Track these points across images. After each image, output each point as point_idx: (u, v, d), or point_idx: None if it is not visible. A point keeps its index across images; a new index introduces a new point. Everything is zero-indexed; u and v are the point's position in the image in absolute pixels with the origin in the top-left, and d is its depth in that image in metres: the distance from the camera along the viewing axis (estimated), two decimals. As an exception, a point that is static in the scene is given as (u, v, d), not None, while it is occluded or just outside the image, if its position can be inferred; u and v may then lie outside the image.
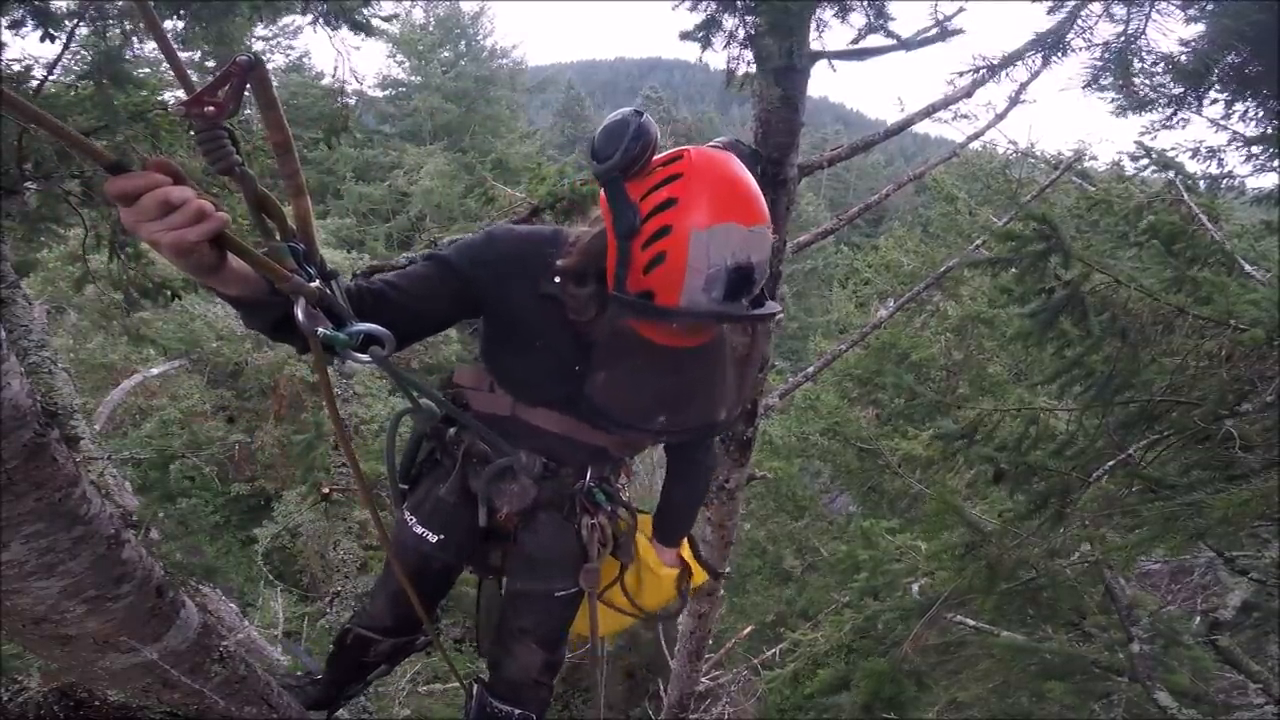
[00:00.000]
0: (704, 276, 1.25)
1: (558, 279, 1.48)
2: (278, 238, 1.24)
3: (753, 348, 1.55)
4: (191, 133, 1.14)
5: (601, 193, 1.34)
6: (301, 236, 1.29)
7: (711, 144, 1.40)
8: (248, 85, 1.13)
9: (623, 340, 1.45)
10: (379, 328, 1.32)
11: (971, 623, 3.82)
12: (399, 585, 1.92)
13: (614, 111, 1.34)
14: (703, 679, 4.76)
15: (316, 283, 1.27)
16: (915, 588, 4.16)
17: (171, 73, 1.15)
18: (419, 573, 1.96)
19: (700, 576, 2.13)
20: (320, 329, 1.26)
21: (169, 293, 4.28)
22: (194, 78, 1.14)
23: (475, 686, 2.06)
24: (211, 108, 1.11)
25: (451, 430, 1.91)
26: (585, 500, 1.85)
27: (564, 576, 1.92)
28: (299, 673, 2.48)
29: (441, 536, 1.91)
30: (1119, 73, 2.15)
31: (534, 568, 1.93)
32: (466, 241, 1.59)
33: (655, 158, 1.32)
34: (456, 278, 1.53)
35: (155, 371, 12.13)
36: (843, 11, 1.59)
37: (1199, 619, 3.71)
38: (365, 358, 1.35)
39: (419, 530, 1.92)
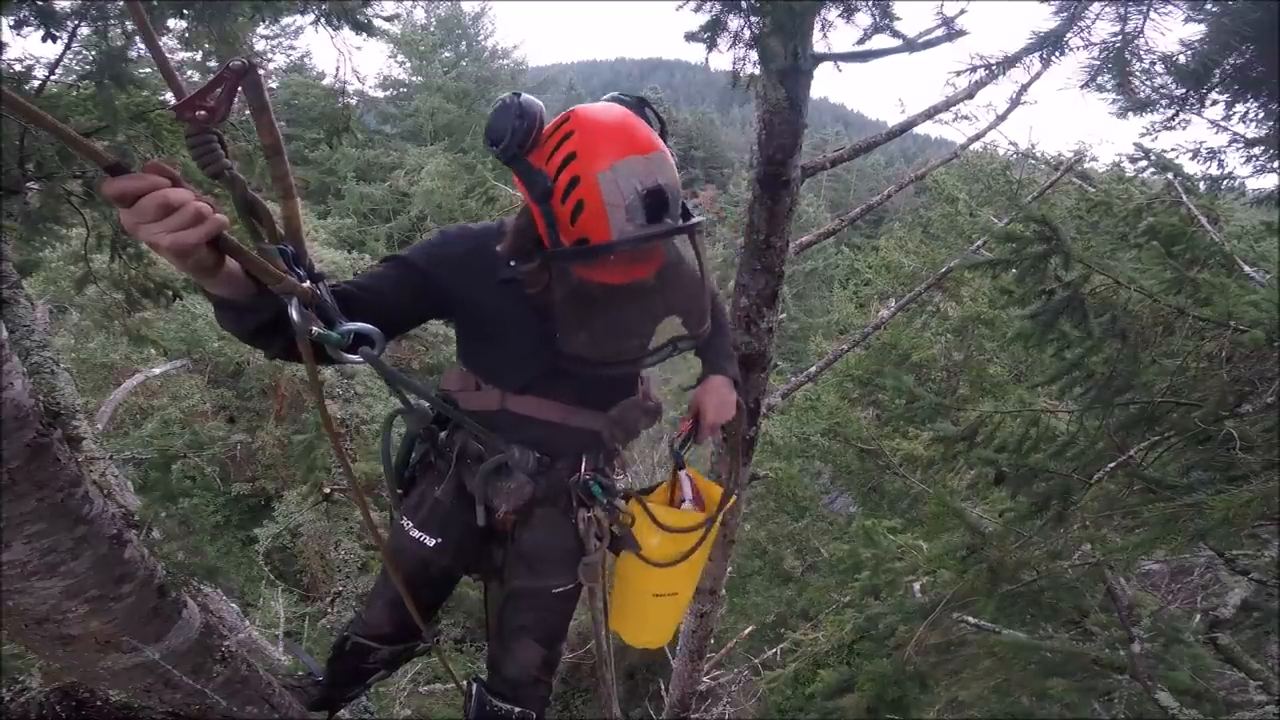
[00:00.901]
0: (623, 208, 1.36)
1: (511, 263, 1.55)
2: (266, 240, 1.26)
3: (700, 259, 1.59)
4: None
5: (517, 180, 1.45)
6: (291, 239, 1.31)
7: (598, 101, 1.53)
8: (239, 89, 1.15)
9: (581, 291, 1.50)
10: (369, 327, 1.35)
11: (973, 621, 3.82)
12: (397, 592, 1.92)
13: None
14: (704, 679, 4.76)
15: (307, 284, 1.28)
16: (917, 587, 4.16)
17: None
18: (417, 578, 1.95)
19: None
20: (314, 328, 1.28)
21: (170, 293, 4.28)
22: (195, 78, 1.15)
23: (474, 685, 2.05)
24: (203, 111, 1.12)
25: (444, 433, 1.92)
26: (581, 493, 1.86)
27: (562, 572, 1.93)
28: (300, 673, 2.48)
29: (439, 539, 1.91)
30: (1117, 73, 2.15)
31: (532, 565, 1.93)
32: (424, 241, 1.66)
33: (545, 127, 1.44)
34: (416, 274, 1.59)
35: (156, 371, 12.14)
36: (848, 12, 1.59)
37: (1199, 618, 3.71)
38: (356, 358, 1.37)
39: (416, 534, 1.91)
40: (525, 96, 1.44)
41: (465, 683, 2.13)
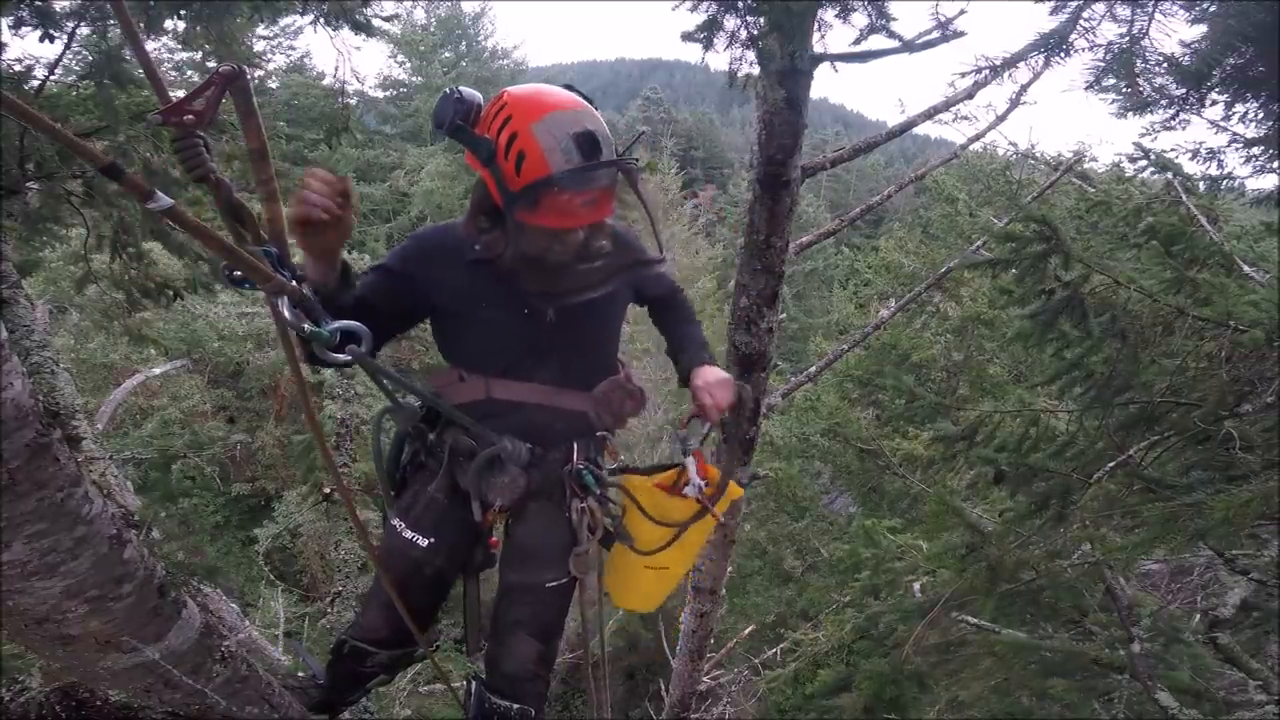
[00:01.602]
0: (559, 150, 1.50)
1: (475, 246, 1.68)
2: (250, 242, 1.29)
3: (643, 200, 1.70)
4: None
5: (467, 154, 1.60)
6: (275, 241, 1.34)
7: None
8: (226, 93, 1.16)
9: (536, 237, 1.62)
10: (357, 324, 1.42)
11: (973, 620, 3.82)
12: (390, 601, 1.91)
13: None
14: (704, 679, 4.76)
15: (294, 284, 1.32)
16: (917, 587, 4.16)
17: (173, 72, 1.16)
18: (411, 580, 1.94)
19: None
20: (305, 326, 1.34)
21: (170, 293, 4.29)
22: (195, 78, 1.16)
23: (473, 684, 2.05)
24: (191, 115, 1.13)
25: (433, 433, 1.92)
26: (574, 484, 1.88)
27: (555, 566, 1.93)
28: (301, 674, 2.47)
29: (432, 540, 1.90)
30: (1123, 74, 2.15)
31: (526, 559, 1.94)
32: (399, 246, 1.79)
33: (484, 108, 1.60)
34: (393, 277, 1.71)
35: (156, 371, 12.15)
36: (844, 12, 1.59)
37: (1199, 618, 3.71)
38: (343, 356, 1.42)
39: (409, 535, 1.91)
40: (463, 88, 1.61)
41: (464, 682, 2.13)
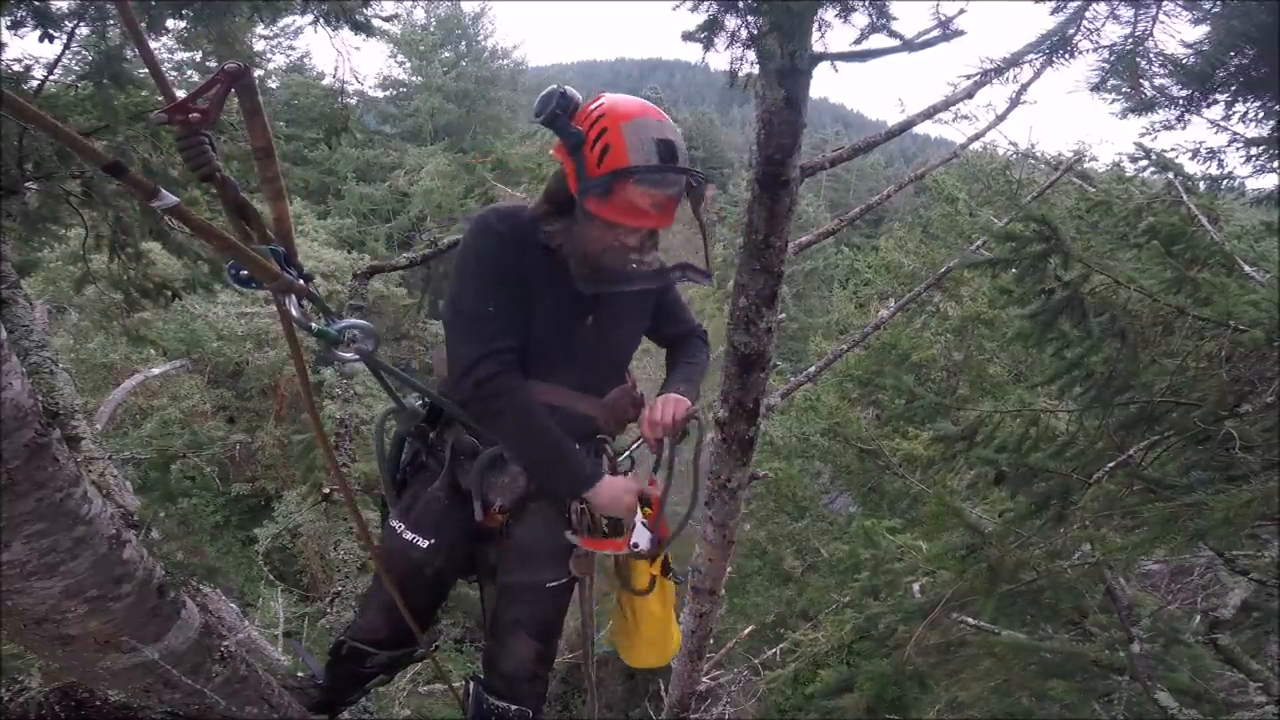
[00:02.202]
0: (641, 148, 1.61)
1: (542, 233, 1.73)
2: (256, 241, 1.29)
3: (699, 217, 1.81)
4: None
5: (555, 141, 1.67)
6: (281, 240, 1.33)
7: None
8: (232, 91, 1.16)
9: (601, 227, 1.67)
10: (364, 323, 1.40)
11: (973, 622, 3.82)
12: (391, 603, 1.92)
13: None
14: (704, 679, 4.76)
15: (301, 283, 1.31)
16: (916, 587, 4.15)
17: (173, 72, 1.16)
18: (411, 581, 1.95)
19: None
20: (313, 324, 1.35)
21: (169, 293, 4.28)
22: (195, 78, 1.15)
23: (471, 684, 2.05)
24: (196, 114, 1.13)
25: (434, 432, 1.92)
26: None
27: (554, 566, 1.94)
28: (300, 674, 2.47)
29: (433, 541, 1.91)
30: (1127, 75, 2.14)
31: (525, 560, 1.94)
32: (481, 246, 1.73)
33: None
34: (513, 284, 1.71)
35: (156, 371, 12.14)
36: (845, 11, 1.58)
37: (1199, 618, 3.71)
38: (352, 355, 1.44)
39: (409, 536, 1.91)
40: (568, 86, 1.69)
41: (463, 682, 2.13)
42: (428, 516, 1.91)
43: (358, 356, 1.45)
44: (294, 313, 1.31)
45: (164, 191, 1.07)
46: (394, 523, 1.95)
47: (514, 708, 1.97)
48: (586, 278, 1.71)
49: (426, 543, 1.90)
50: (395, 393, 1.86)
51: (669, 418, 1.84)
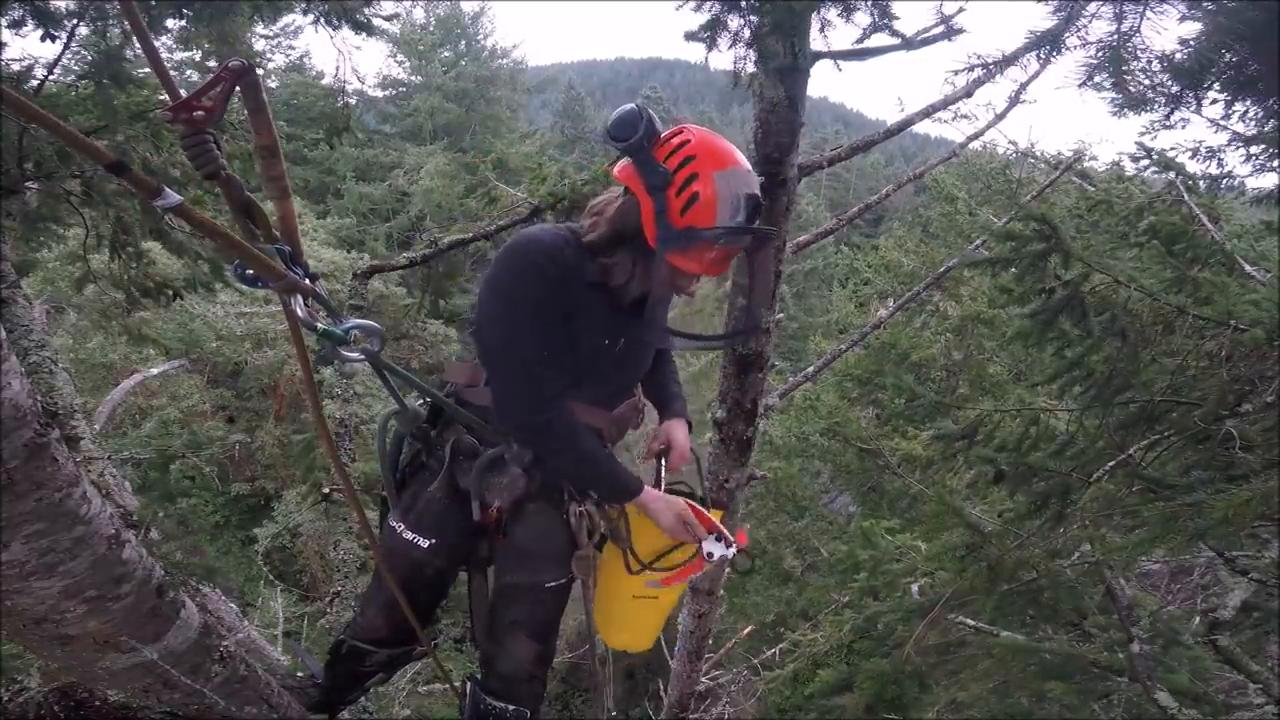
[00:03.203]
0: (730, 205, 1.56)
1: (593, 260, 1.69)
2: (262, 240, 1.28)
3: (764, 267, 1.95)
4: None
5: (626, 164, 1.62)
6: (287, 239, 1.33)
7: None
8: (236, 89, 1.15)
9: (669, 276, 1.68)
10: (371, 324, 1.39)
11: (972, 623, 3.82)
12: (392, 595, 1.92)
13: (618, 108, 1.62)
14: (703, 679, 4.76)
15: (307, 282, 1.31)
16: (915, 588, 4.15)
17: (172, 72, 1.16)
18: (411, 581, 1.95)
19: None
20: (319, 324, 1.33)
21: (169, 293, 4.28)
22: (195, 77, 1.15)
23: (469, 685, 2.04)
24: (200, 112, 1.12)
25: (434, 432, 1.92)
26: (574, 488, 1.89)
27: (554, 567, 1.94)
28: (300, 674, 2.47)
29: (433, 541, 1.91)
30: (1114, 71, 2.14)
31: (524, 560, 1.93)
32: (519, 279, 1.65)
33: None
34: (556, 322, 1.68)
35: (155, 371, 12.14)
36: (847, 11, 1.59)
37: (1199, 619, 3.71)
38: (357, 355, 1.43)
39: (409, 536, 1.91)
40: (649, 109, 1.62)
41: (461, 683, 2.12)
42: (428, 516, 1.91)
43: (364, 357, 1.45)
44: (299, 312, 1.31)
45: (167, 190, 1.07)
46: (394, 523, 1.95)
47: (511, 708, 1.96)
48: (657, 331, 1.84)
49: (428, 542, 1.91)
50: (398, 394, 1.84)
51: (687, 459, 2.05)
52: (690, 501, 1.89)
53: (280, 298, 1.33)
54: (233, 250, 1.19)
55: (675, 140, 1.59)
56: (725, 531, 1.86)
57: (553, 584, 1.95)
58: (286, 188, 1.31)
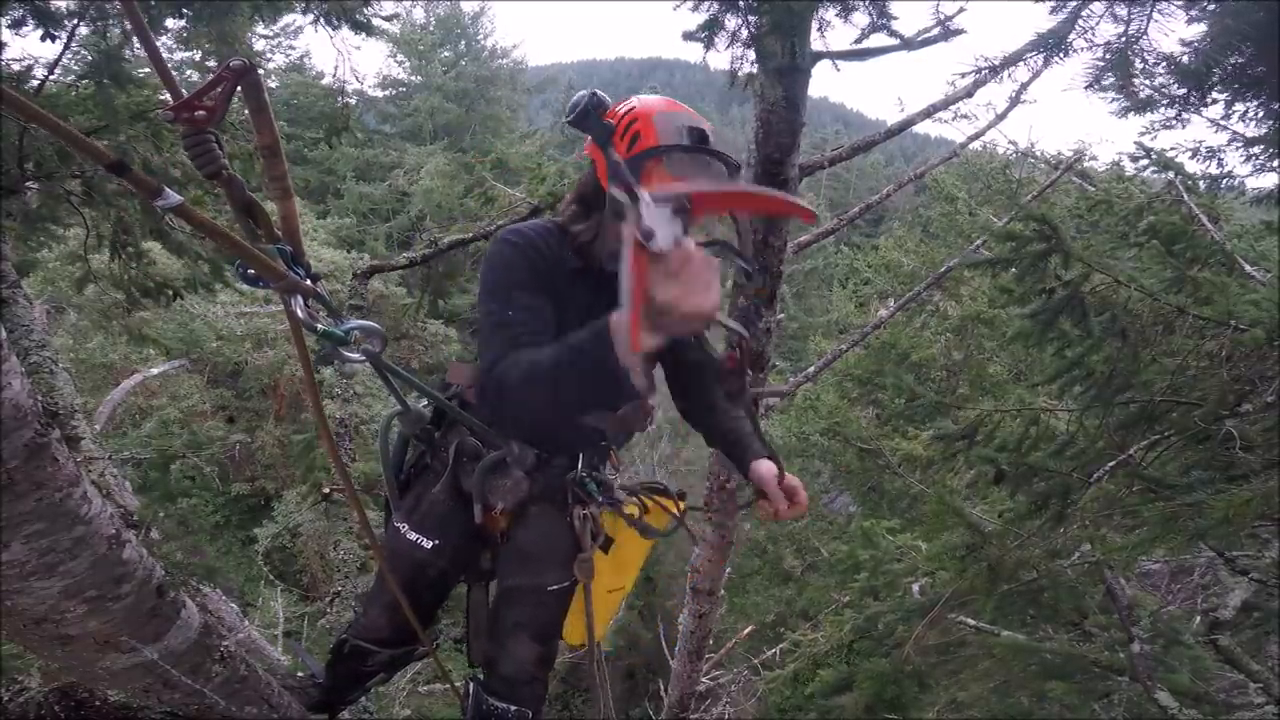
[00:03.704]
0: (671, 132, 1.59)
1: (571, 252, 1.68)
2: (264, 240, 1.28)
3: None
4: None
5: (586, 139, 1.63)
6: (288, 239, 1.32)
7: None
8: (238, 89, 1.15)
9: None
10: (372, 324, 1.40)
11: (972, 622, 3.82)
12: (395, 596, 1.92)
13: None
14: (703, 679, 4.75)
15: (309, 283, 1.30)
16: (916, 588, 4.15)
17: (173, 72, 1.16)
18: (414, 582, 1.95)
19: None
20: (319, 325, 1.32)
21: (169, 293, 4.28)
22: (195, 78, 1.15)
23: (471, 685, 2.05)
24: (202, 112, 1.12)
25: (439, 432, 1.92)
26: (578, 490, 1.88)
27: (556, 569, 1.94)
28: (300, 674, 2.47)
29: (436, 542, 1.91)
30: (1120, 73, 2.14)
31: (526, 562, 1.93)
32: (507, 260, 1.65)
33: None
34: (543, 292, 1.64)
35: (155, 371, 12.14)
36: (845, 11, 1.59)
37: (1199, 619, 3.71)
38: (358, 356, 1.41)
39: (412, 537, 1.91)
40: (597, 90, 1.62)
41: (462, 683, 2.12)
42: (432, 518, 1.91)
43: (364, 358, 1.44)
44: (299, 313, 1.30)
45: (168, 190, 1.07)
46: (398, 524, 1.95)
47: (513, 709, 1.97)
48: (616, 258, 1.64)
49: (431, 543, 1.90)
50: (401, 395, 1.82)
51: (803, 501, 1.75)
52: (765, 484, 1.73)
53: (281, 298, 1.32)
54: (233, 250, 1.19)
55: (619, 106, 1.66)
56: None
57: (555, 587, 1.95)
58: (288, 187, 1.31)
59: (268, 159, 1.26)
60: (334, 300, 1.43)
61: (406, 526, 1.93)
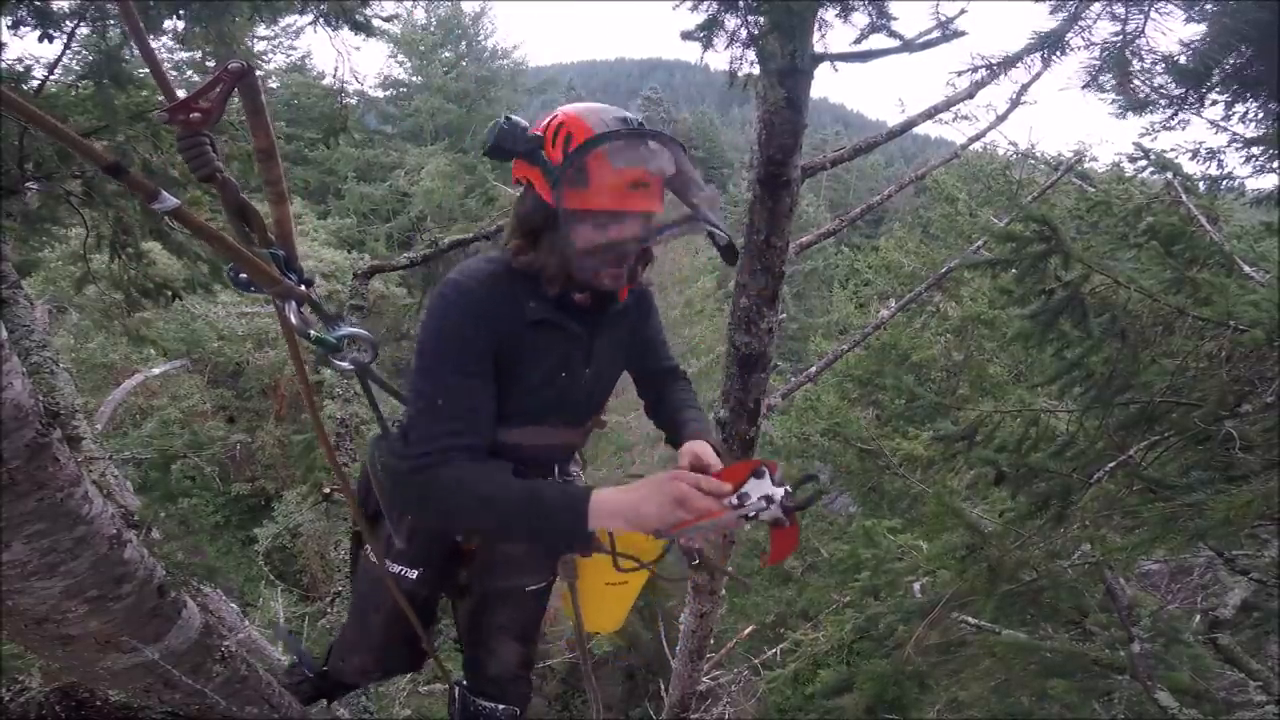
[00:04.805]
0: (602, 123, 1.44)
1: (531, 304, 1.51)
2: (257, 244, 1.28)
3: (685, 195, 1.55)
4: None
5: (514, 161, 1.51)
6: (282, 243, 1.32)
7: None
8: (235, 91, 1.15)
9: (584, 233, 1.46)
10: (363, 332, 1.40)
11: (973, 621, 3.82)
12: (380, 638, 1.94)
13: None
14: (704, 679, 4.75)
15: (302, 288, 1.31)
16: (917, 587, 4.15)
17: (172, 72, 1.16)
18: (401, 614, 1.91)
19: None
20: (312, 331, 1.33)
21: (170, 293, 4.29)
22: (195, 78, 1.15)
23: (457, 689, 2.07)
24: (198, 113, 1.12)
25: None
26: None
27: (535, 571, 1.96)
28: (291, 664, 2.47)
29: (421, 569, 1.86)
30: (1117, 73, 2.14)
31: (505, 565, 1.94)
32: (448, 324, 1.47)
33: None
34: (487, 359, 1.49)
35: (156, 371, 12.15)
36: (845, 12, 1.58)
37: (1199, 618, 3.71)
38: (347, 366, 1.42)
39: (396, 569, 1.86)
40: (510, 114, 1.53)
41: (449, 687, 2.15)
42: (412, 547, 1.83)
43: (353, 367, 1.43)
44: (292, 319, 1.30)
45: (164, 193, 1.07)
46: (373, 557, 1.89)
47: (501, 707, 2.01)
48: (584, 274, 1.48)
49: (416, 573, 1.86)
50: (381, 416, 1.69)
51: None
52: (697, 450, 1.62)
53: (274, 303, 1.32)
54: (229, 255, 1.19)
55: (544, 119, 1.53)
56: (766, 467, 1.32)
57: (533, 587, 1.98)
58: (283, 191, 1.32)
59: (263, 162, 1.26)
60: (334, 300, 1.44)
61: (387, 559, 1.87)
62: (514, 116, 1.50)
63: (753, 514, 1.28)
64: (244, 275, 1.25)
